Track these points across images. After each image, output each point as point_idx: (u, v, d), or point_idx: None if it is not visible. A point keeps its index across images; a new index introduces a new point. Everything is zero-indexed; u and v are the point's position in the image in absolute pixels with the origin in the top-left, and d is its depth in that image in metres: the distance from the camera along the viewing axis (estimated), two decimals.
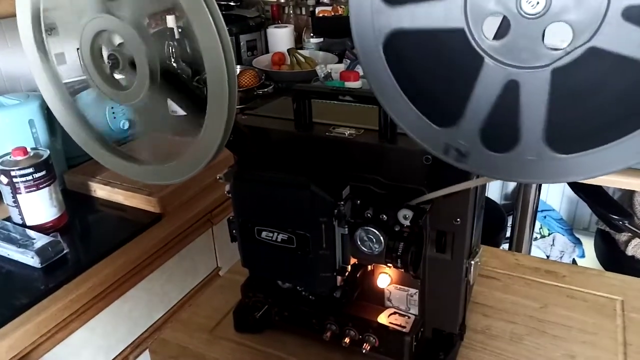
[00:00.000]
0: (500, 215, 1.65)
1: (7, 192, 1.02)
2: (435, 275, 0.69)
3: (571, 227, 2.04)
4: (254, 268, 0.75)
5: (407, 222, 0.60)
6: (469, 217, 0.65)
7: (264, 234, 0.67)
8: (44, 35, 0.72)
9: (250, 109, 0.80)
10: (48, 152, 1.04)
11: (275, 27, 2.04)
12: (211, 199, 1.21)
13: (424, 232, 0.66)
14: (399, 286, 0.71)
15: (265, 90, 1.72)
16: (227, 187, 0.70)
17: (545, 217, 2.02)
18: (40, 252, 0.94)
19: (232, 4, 2.05)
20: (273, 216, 0.66)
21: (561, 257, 1.99)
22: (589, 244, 1.81)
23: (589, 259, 1.92)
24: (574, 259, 1.99)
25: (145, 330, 1.07)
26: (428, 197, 0.61)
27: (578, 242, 1.98)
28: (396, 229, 0.62)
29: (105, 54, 0.67)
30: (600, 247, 1.58)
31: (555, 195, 2.07)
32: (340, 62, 1.83)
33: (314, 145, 0.67)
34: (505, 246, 1.72)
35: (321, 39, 2.03)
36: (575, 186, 1.47)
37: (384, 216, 0.62)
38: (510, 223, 1.68)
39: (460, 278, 0.68)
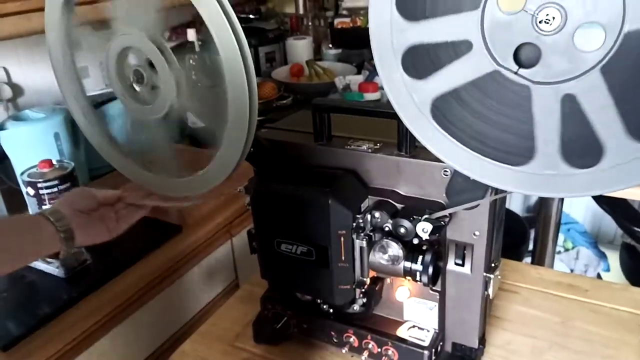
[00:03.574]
0: (522, 228, 1.64)
1: (33, 203, 1.04)
2: (454, 289, 0.69)
3: (596, 241, 2.00)
4: (274, 280, 0.76)
5: (425, 235, 0.60)
6: (488, 230, 0.64)
7: (283, 246, 0.68)
8: (71, 50, 0.75)
9: (270, 121, 0.81)
10: (72, 164, 1.06)
11: (294, 38, 2.06)
12: (230, 211, 1.22)
13: (443, 245, 0.66)
14: (418, 299, 0.71)
15: (284, 102, 1.73)
16: (247, 200, 0.71)
17: (569, 230, 1.98)
18: (64, 262, 0.96)
19: (251, 16, 2.08)
20: (292, 229, 0.67)
21: (586, 271, 1.95)
22: (614, 258, 1.78)
23: (615, 273, 1.88)
24: (598, 273, 1.94)
25: (166, 341, 1.08)
26: (447, 211, 0.61)
27: (603, 256, 1.94)
28: (415, 242, 0.62)
29: (130, 70, 0.69)
30: (625, 261, 1.55)
31: (579, 208, 2.03)
32: (359, 73, 1.84)
33: (333, 159, 0.68)
34: (528, 259, 1.69)
35: (340, 50, 2.04)
36: (600, 199, 1.45)
37: (403, 229, 0.62)
38: (533, 236, 1.66)
39: (479, 292, 0.68)
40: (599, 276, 1.94)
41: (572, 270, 1.98)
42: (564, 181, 0.47)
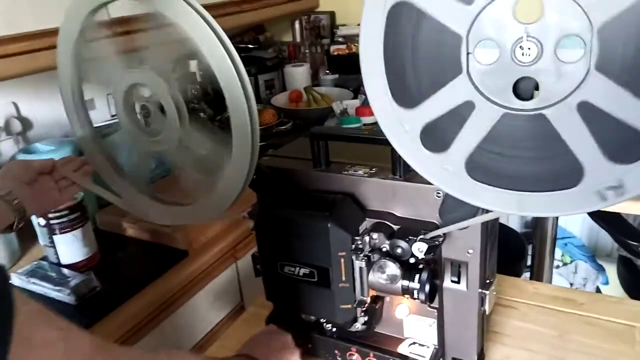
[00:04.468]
0: (520, 243, 1.66)
1: (44, 233, 1.08)
2: (451, 306, 0.72)
3: (593, 254, 2.02)
4: (278, 301, 0.79)
5: (421, 255, 0.63)
6: (481, 248, 0.67)
7: (286, 268, 0.71)
8: (81, 84, 0.79)
9: (271, 147, 0.85)
10: (82, 194, 1.10)
11: (292, 66, 2.12)
12: (234, 235, 1.25)
13: (439, 263, 0.69)
14: (417, 316, 0.74)
15: (284, 127, 1.78)
16: (251, 224, 0.74)
17: (566, 244, 2.01)
18: (75, 289, 0.99)
19: (250, 46, 2.14)
20: (295, 251, 0.70)
21: (584, 285, 1.97)
22: (612, 271, 1.80)
23: (613, 285, 1.90)
24: (597, 287, 1.96)
25: None
26: (440, 231, 0.65)
27: (601, 269, 1.96)
28: (412, 261, 0.65)
29: (137, 106, 0.73)
30: (622, 273, 1.57)
31: (575, 223, 2.06)
32: (355, 97, 1.89)
33: (331, 184, 0.72)
34: (527, 275, 1.71)
35: (336, 76, 2.10)
36: (594, 214, 1.47)
37: (400, 249, 0.65)
38: (531, 252, 1.69)
39: (476, 308, 0.71)
40: (598, 289, 1.96)
41: (571, 284, 2.00)
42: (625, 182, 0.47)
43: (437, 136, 0.52)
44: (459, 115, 0.50)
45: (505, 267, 1.03)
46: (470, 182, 0.53)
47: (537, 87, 0.47)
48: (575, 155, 0.47)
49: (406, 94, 0.51)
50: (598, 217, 1.45)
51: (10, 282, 0.38)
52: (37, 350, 0.38)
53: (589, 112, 0.45)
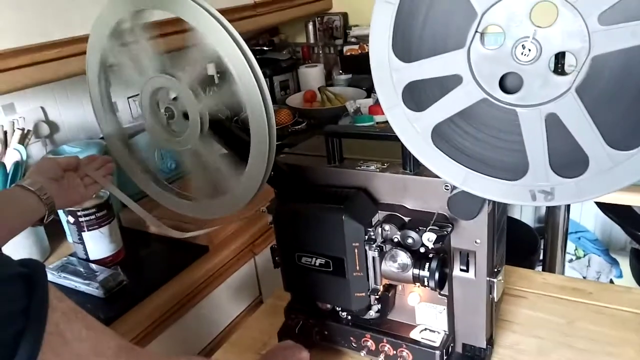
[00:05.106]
0: (533, 238, 1.68)
1: (73, 230, 1.14)
2: (460, 293, 0.75)
3: (607, 248, 2.03)
4: (296, 291, 0.83)
5: (431, 244, 0.67)
6: (489, 238, 0.71)
7: (303, 259, 0.75)
8: (109, 88, 0.84)
9: (287, 146, 0.89)
10: (108, 193, 1.15)
11: (306, 66, 2.17)
12: (252, 231, 1.30)
13: (449, 252, 0.73)
14: (428, 304, 0.77)
15: (299, 127, 1.82)
16: (270, 219, 0.78)
17: (579, 238, 2.02)
18: (103, 283, 1.05)
19: (265, 48, 2.19)
20: (311, 243, 0.74)
21: (598, 278, 1.98)
22: (626, 264, 1.80)
23: (627, 279, 1.91)
24: (611, 279, 1.97)
25: (199, 353, 1.15)
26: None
27: (615, 263, 1.97)
28: (422, 251, 0.69)
29: (162, 107, 0.77)
30: (635, 266, 1.58)
31: (589, 217, 2.07)
32: (368, 96, 1.93)
33: (345, 179, 0.75)
34: (539, 269, 1.73)
35: (350, 76, 2.14)
36: (605, 207, 1.49)
37: (410, 239, 0.69)
38: (543, 245, 1.71)
39: (484, 295, 0.74)
40: (611, 282, 1.97)
41: (584, 277, 2.01)
42: (555, 191, 0.53)
43: (418, 96, 0.56)
44: (445, 84, 0.54)
45: (518, 260, 1.06)
46: (430, 147, 0.57)
47: (520, 86, 0.51)
48: (527, 155, 0.53)
49: (405, 49, 0.54)
50: (609, 210, 1.47)
51: (47, 276, 0.41)
52: (69, 345, 0.41)
53: (552, 123, 0.50)
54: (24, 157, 1.17)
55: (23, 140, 1.18)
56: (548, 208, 1.64)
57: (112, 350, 0.45)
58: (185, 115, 0.74)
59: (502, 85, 0.52)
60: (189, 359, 0.61)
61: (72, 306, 0.43)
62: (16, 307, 0.37)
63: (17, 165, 1.15)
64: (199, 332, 1.16)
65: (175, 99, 0.76)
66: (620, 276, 1.96)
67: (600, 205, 1.49)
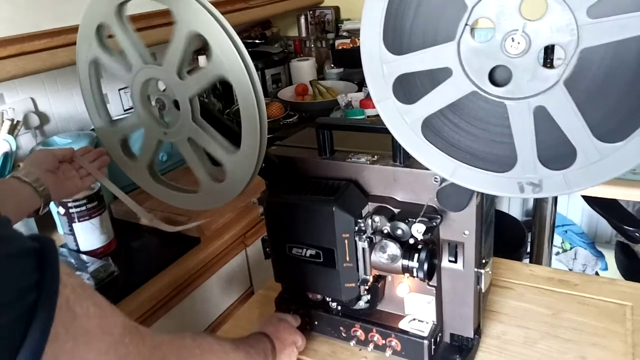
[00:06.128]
0: (520, 231, 1.70)
1: (64, 221, 1.14)
2: (449, 284, 0.76)
3: (593, 241, 2.06)
4: (286, 282, 0.84)
5: (420, 236, 0.68)
6: (477, 230, 0.72)
7: (294, 250, 0.76)
8: (99, 79, 0.84)
9: (278, 139, 0.90)
10: (99, 184, 1.15)
11: (298, 60, 2.17)
12: (244, 222, 1.30)
13: (437, 244, 0.74)
14: (417, 294, 0.78)
15: (290, 120, 1.82)
16: (261, 210, 0.79)
17: (566, 231, 2.05)
18: (94, 274, 1.05)
19: (257, 41, 2.18)
20: (302, 234, 0.75)
21: (584, 271, 2.01)
22: (612, 257, 1.84)
23: (612, 271, 1.94)
24: (597, 272, 2.01)
25: None
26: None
27: (600, 256, 2.01)
28: (411, 242, 0.70)
29: (152, 99, 0.78)
30: (620, 259, 1.61)
31: (575, 210, 2.10)
32: (359, 90, 1.94)
33: (335, 171, 0.76)
34: (527, 261, 1.76)
35: (341, 69, 2.15)
36: (591, 201, 1.52)
37: (400, 231, 0.70)
38: (530, 238, 1.73)
39: (472, 286, 0.75)
40: (597, 274, 2.00)
41: (570, 270, 2.04)
42: (543, 183, 0.54)
43: (408, 88, 0.57)
44: (435, 77, 0.55)
45: (506, 253, 1.07)
46: (420, 138, 0.58)
47: (509, 79, 0.51)
48: (515, 147, 0.53)
49: (396, 42, 0.55)
50: (596, 204, 1.49)
51: (57, 251, 0.42)
52: (79, 320, 0.41)
53: (541, 116, 0.51)
54: (14, 148, 1.17)
55: (12, 130, 1.17)
56: (536, 201, 1.66)
57: (118, 328, 0.45)
58: (176, 104, 0.74)
59: (492, 78, 0.53)
60: (194, 337, 0.61)
61: (81, 282, 0.43)
62: (30, 281, 0.37)
63: (6, 155, 1.14)
64: (191, 323, 1.17)
65: (165, 90, 0.76)
66: (606, 269, 2.00)
67: (587, 199, 1.52)
